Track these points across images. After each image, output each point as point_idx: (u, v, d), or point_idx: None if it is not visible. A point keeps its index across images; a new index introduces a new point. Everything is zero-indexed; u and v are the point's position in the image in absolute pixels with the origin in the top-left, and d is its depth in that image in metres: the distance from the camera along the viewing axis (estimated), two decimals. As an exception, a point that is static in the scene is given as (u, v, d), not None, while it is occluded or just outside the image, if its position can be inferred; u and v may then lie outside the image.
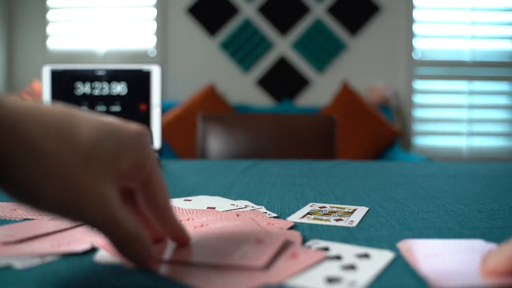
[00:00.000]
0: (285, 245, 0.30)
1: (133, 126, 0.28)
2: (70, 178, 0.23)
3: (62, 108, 0.25)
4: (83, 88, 0.72)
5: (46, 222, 0.37)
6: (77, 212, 0.23)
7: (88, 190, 0.23)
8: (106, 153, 0.25)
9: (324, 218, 0.41)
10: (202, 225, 0.36)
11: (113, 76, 0.73)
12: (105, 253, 0.29)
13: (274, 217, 0.42)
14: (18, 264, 0.27)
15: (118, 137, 0.26)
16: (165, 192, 0.29)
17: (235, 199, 0.51)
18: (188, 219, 0.39)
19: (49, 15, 2.82)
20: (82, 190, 0.23)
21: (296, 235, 0.33)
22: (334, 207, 0.46)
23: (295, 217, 0.41)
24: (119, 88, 0.72)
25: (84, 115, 0.25)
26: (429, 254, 0.29)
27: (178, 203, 0.48)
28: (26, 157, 0.22)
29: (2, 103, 0.22)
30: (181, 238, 0.30)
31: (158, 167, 0.29)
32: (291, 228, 0.37)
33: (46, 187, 0.22)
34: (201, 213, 0.42)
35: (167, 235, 0.30)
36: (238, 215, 0.40)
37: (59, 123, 0.23)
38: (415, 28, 2.74)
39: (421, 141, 2.78)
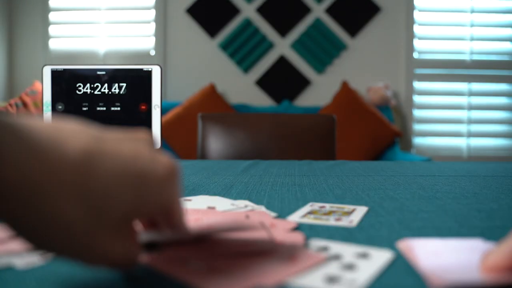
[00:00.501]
0: (283, 250, 0.30)
1: (163, 165, 0.24)
2: (75, 234, 0.21)
3: (86, 146, 0.22)
4: (83, 88, 0.72)
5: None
6: (77, 260, 0.23)
7: (92, 247, 0.22)
8: (119, 209, 0.23)
9: (324, 217, 0.41)
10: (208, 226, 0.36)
11: (113, 76, 0.73)
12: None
13: (274, 217, 0.42)
14: (19, 263, 0.27)
15: (140, 187, 0.23)
16: (182, 213, 0.28)
17: (235, 199, 0.52)
18: (197, 219, 0.39)
19: (50, 16, 2.82)
20: (86, 246, 0.22)
21: (298, 237, 0.33)
22: (333, 206, 0.46)
23: (295, 217, 0.41)
24: (119, 88, 0.73)
25: (109, 153, 0.23)
26: (429, 252, 0.29)
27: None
28: (35, 216, 0.20)
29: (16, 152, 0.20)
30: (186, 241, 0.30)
31: (180, 198, 0.27)
32: (295, 229, 0.37)
33: (52, 243, 0.21)
34: (211, 213, 0.41)
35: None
36: (248, 216, 0.40)
37: (75, 178, 0.21)
38: (415, 28, 2.74)
39: (421, 141, 2.78)
